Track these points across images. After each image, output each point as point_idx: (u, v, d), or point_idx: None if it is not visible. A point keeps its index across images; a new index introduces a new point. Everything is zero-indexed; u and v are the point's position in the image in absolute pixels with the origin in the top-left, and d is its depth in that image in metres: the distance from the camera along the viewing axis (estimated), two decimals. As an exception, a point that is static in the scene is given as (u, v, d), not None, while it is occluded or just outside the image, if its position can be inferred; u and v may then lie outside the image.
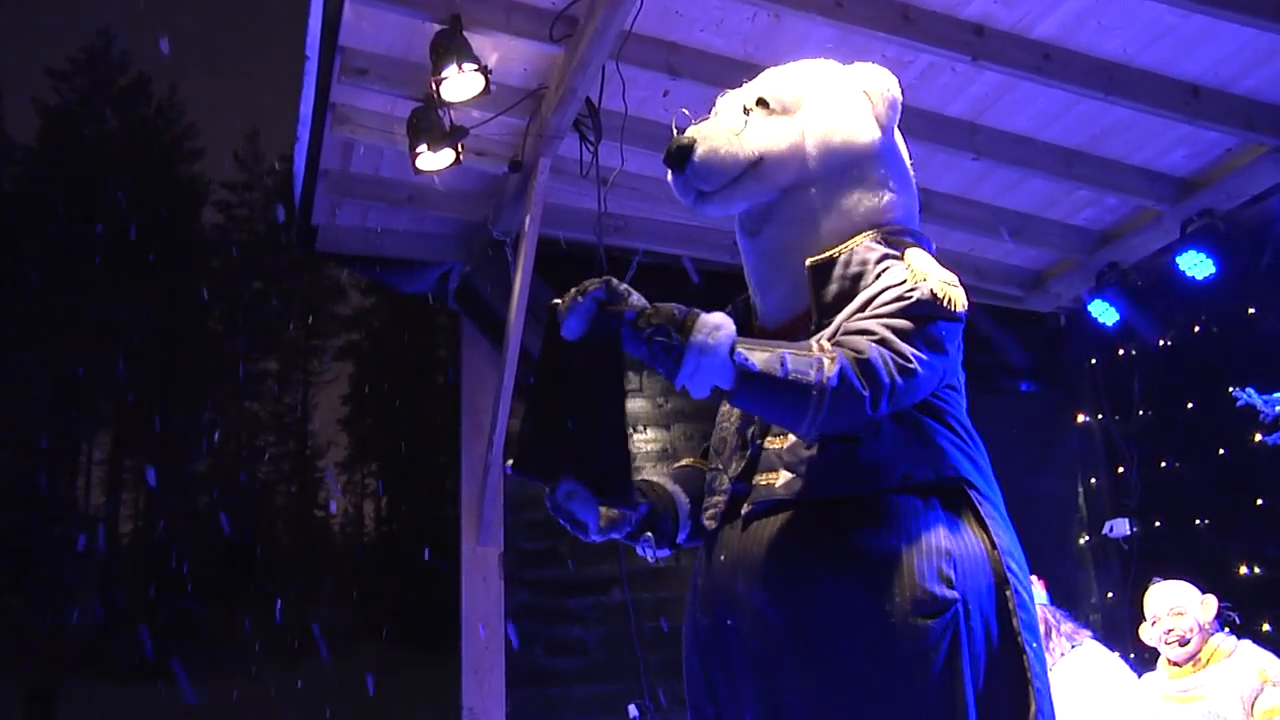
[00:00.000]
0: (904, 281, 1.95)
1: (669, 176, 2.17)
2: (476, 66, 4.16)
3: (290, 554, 34.27)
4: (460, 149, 4.67)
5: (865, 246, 2.05)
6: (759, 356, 1.77)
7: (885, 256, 2.03)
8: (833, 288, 2.02)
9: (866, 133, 2.15)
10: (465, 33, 4.19)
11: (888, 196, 2.14)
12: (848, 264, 2.03)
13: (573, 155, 4.91)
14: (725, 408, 2.23)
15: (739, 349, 1.76)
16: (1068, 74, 4.53)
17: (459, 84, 4.23)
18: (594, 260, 5.23)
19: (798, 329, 2.06)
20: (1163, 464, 5.94)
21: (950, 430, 2.00)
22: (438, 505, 28.43)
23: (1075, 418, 6.48)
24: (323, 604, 33.43)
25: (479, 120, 4.68)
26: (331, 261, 8.74)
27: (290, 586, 32.53)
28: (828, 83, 2.21)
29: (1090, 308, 5.99)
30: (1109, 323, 5.95)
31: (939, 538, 1.89)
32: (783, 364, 1.77)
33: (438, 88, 4.22)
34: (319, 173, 5.42)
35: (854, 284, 2.01)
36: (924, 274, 1.96)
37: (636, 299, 1.80)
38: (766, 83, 2.23)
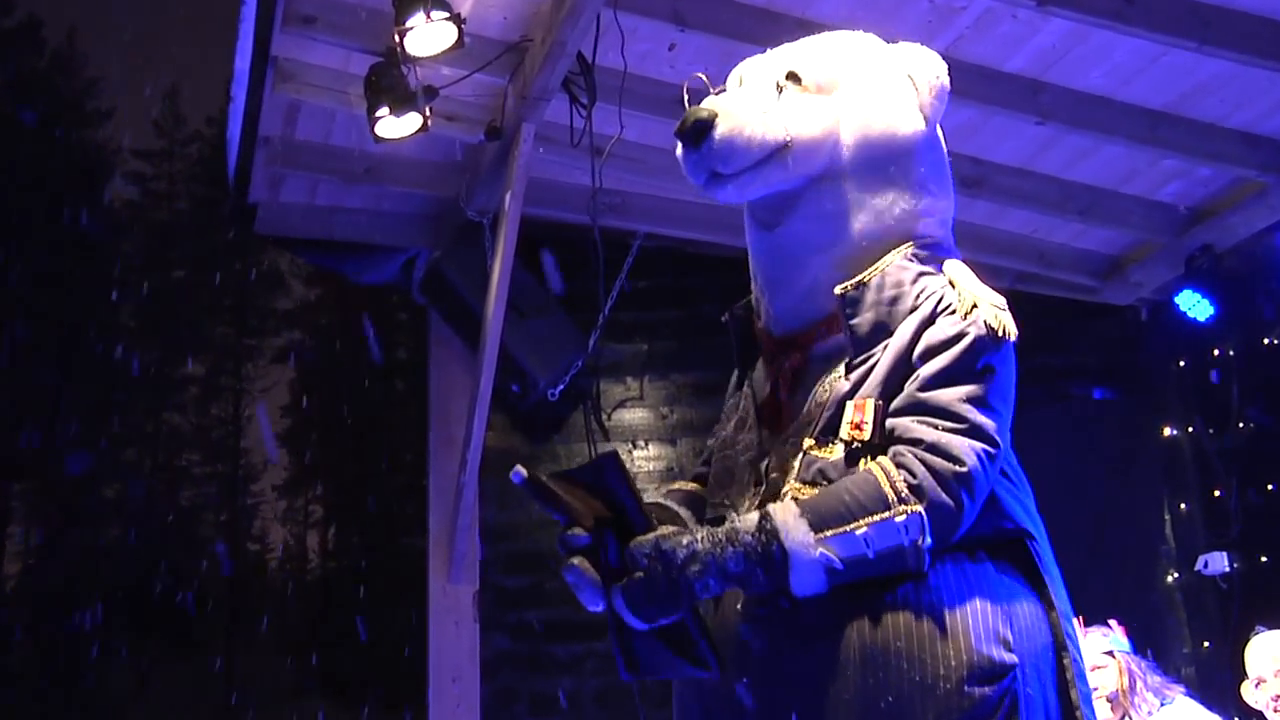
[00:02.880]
0: (951, 310, 2.07)
1: (679, 151, 2.24)
2: (448, 15, 4.20)
3: (219, 595, 34.26)
4: (428, 113, 4.72)
5: (898, 265, 2.15)
6: (841, 545, 1.91)
7: (921, 275, 2.13)
8: (868, 315, 2.12)
9: (909, 124, 2.24)
10: (434, -26, 4.24)
11: (925, 200, 2.24)
12: (881, 287, 2.13)
13: (562, 121, 4.96)
14: (726, 429, 2.32)
15: (820, 550, 1.91)
16: (1152, 19, 4.53)
17: (427, 35, 4.27)
18: (587, 244, 5.29)
19: (811, 339, 2.19)
20: (1269, 486, 5.97)
21: (1002, 475, 2.09)
22: (399, 536, 28.48)
23: (1161, 430, 6.50)
24: (258, 654, 33.37)
25: (450, 79, 4.72)
26: (272, 245, 8.78)
27: (219, 634, 32.53)
28: (870, 61, 2.30)
29: (1178, 299, 6.03)
30: (1201, 317, 5.98)
31: (994, 595, 1.98)
32: (867, 544, 1.92)
33: (401, 40, 4.26)
34: (258, 140, 5.44)
35: (890, 309, 2.11)
36: (971, 300, 2.07)
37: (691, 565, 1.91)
38: (801, 55, 2.30)
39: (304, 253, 6.66)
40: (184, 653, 30.92)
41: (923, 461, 1.94)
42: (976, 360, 2.03)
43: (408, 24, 4.19)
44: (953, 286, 2.11)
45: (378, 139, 4.79)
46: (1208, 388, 6.25)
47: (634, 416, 6.35)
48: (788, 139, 2.19)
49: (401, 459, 29.88)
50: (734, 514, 2.13)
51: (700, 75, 2.39)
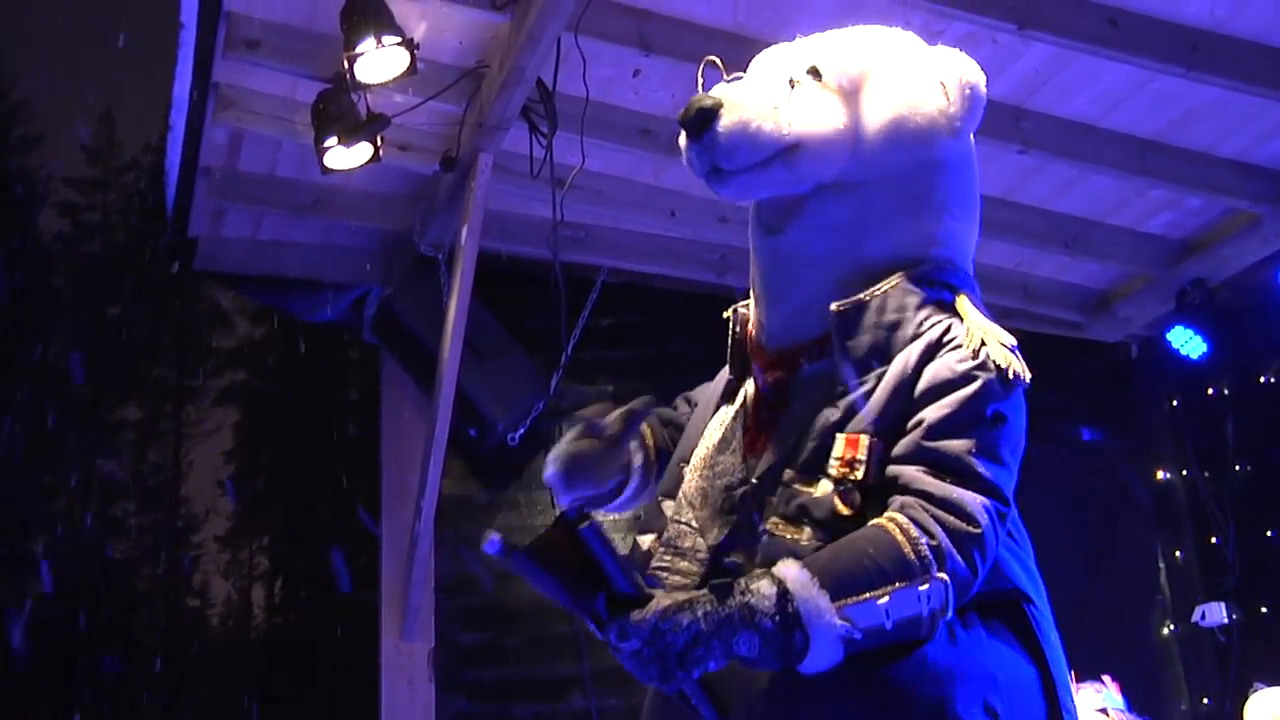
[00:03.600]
0: (958, 344, 2.01)
1: (682, 140, 2.20)
2: (400, 40, 4.22)
3: (156, 654, 33.94)
4: (380, 142, 4.73)
5: (903, 288, 2.09)
6: (859, 614, 1.84)
7: (926, 302, 2.08)
8: (864, 339, 2.06)
9: (934, 135, 2.18)
10: (386, -4, 4.25)
11: (944, 223, 2.19)
12: (881, 310, 2.07)
13: (521, 150, 4.98)
14: (704, 449, 2.26)
15: (840, 622, 1.82)
16: (1139, 44, 4.55)
17: (378, 61, 4.27)
18: (547, 280, 5.29)
19: (798, 358, 2.14)
20: (1268, 532, 5.99)
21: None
22: (350, 589, 28.27)
23: (1153, 474, 6.53)
24: (199, 718, 33.09)
25: (403, 107, 4.73)
26: (213, 282, 8.74)
27: (156, 695, 32.21)
28: (899, 62, 2.23)
29: (1169, 336, 6.07)
30: (1193, 354, 6.02)
31: (985, 664, 1.96)
32: (887, 615, 1.84)
33: (351, 66, 4.25)
34: (198, 171, 5.44)
35: (890, 334, 2.06)
36: (980, 336, 2.02)
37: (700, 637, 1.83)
38: (824, 48, 2.24)
39: (248, 290, 6.65)
40: (118, 717, 30.57)
41: (938, 521, 1.88)
42: (986, 407, 1.98)
43: (358, 49, 4.19)
44: (960, 319, 2.05)
45: (326, 170, 4.79)
46: (1202, 429, 6.28)
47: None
48: (797, 138, 2.12)
49: (351, 508, 29.69)
50: (701, 539, 2.11)
51: (714, 59, 2.32)
